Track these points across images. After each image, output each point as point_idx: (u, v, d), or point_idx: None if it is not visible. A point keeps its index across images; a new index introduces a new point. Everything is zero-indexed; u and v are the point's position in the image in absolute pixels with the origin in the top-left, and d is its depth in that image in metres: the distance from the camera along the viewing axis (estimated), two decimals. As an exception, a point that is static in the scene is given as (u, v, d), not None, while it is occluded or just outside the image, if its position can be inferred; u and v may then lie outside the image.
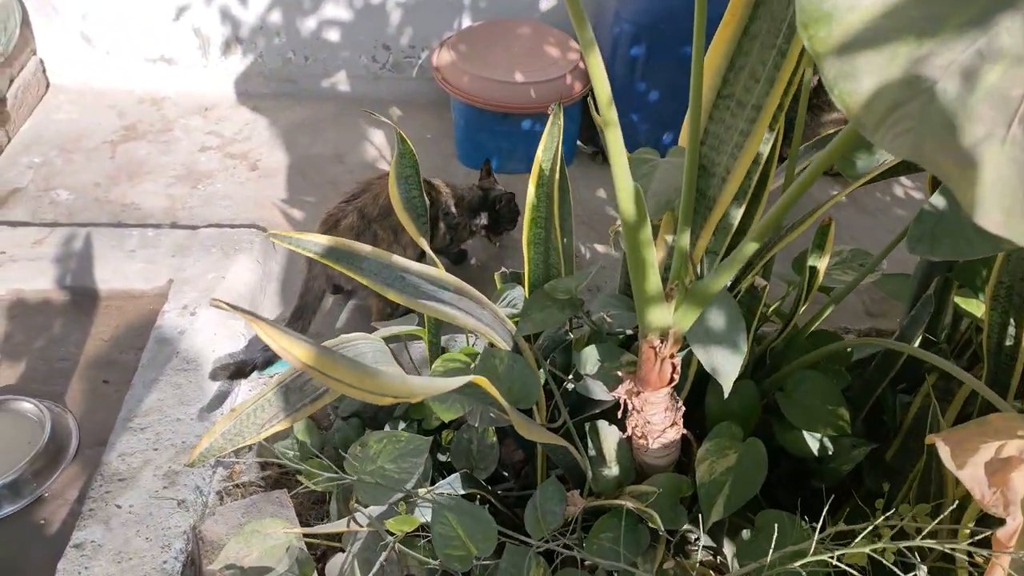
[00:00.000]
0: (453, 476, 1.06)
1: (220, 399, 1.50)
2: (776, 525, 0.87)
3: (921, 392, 1.07)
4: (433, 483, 1.08)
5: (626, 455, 1.03)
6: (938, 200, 0.85)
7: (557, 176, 1.06)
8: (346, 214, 1.67)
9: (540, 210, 1.07)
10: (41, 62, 2.55)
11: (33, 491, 1.43)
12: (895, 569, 0.69)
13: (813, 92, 2.12)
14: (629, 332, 1.15)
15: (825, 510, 0.79)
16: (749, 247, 0.79)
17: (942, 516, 0.69)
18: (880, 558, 0.70)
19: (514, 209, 1.94)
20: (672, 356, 0.91)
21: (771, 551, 0.79)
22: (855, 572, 0.73)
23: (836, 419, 1.04)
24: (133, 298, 1.78)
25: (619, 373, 0.98)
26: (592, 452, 1.04)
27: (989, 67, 0.38)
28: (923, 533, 0.63)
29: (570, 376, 1.09)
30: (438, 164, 2.40)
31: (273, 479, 1.39)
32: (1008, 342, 1.01)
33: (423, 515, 0.98)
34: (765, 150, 0.92)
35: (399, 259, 0.95)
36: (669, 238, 0.98)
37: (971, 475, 0.57)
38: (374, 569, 0.96)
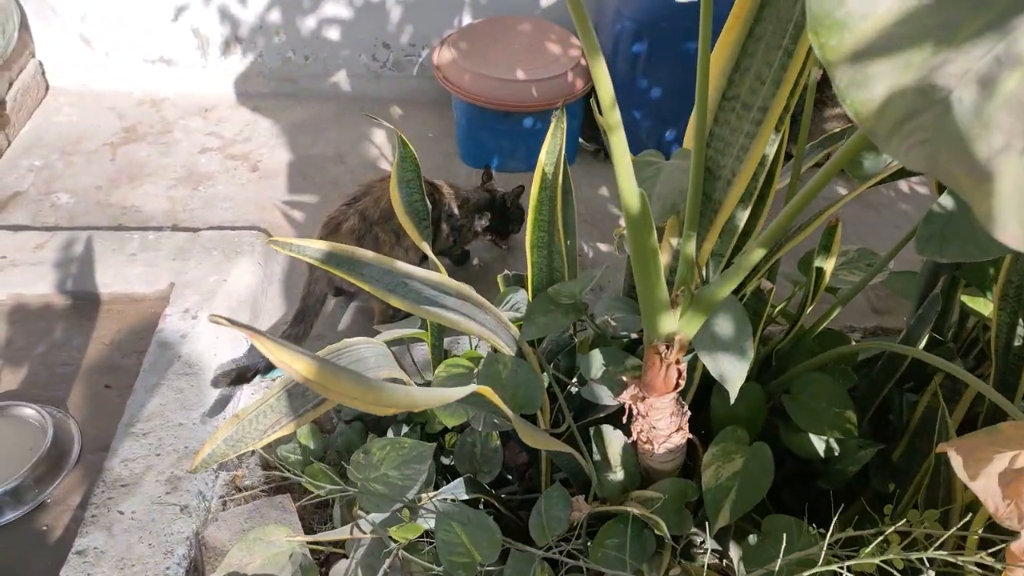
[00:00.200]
0: (457, 481, 1.06)
1: (222, 403, 1.49)
2: (783, 532, 0.86)
3: (928, 391, 1.06)
4: (437, 487, 1.07)
5: (631, 460, 1.03)
6: (946, 201, 0.84)
7: (560, 179, 1.05)
8: (347, 217, 1.66)
9: (543, 213, 1.06)
10: (40, 64, 2.54)
11: (35, 497, 1.43)
12: (905, 577, 0.68)
13: (816, 87, 2.09)
14: (634, 336, 1.14)
15: (835, 518, 0.78)
16: (756, 254, 0.78)
17: (953, 530, 0.68)
18: (890, 568, 0.69)
19: (523, 205, 1.92)
20: (678, 362, 0.90)
21: (779, 560, 0.78)
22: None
23: (843, 422, 1.03)
24: (134, 302, 1.78)
25: (624, 378, 0.97)
26: (597, 457, 1.03)
27: (1008, 74, 0.37)
28: (935, 545, 0.62)
29: (574, 380, 1.08)
30: (440, 163, 2.39)
31: (276, 483, 1.38)
32: (1017, 343, 1.00)
33: (427, 521, 0.97)
34: (771, 151, 0.91)
35: (401, 265, 0.94)
36: (674, 241, 0.97)
37: (984, 487, 0.55)
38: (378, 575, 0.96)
